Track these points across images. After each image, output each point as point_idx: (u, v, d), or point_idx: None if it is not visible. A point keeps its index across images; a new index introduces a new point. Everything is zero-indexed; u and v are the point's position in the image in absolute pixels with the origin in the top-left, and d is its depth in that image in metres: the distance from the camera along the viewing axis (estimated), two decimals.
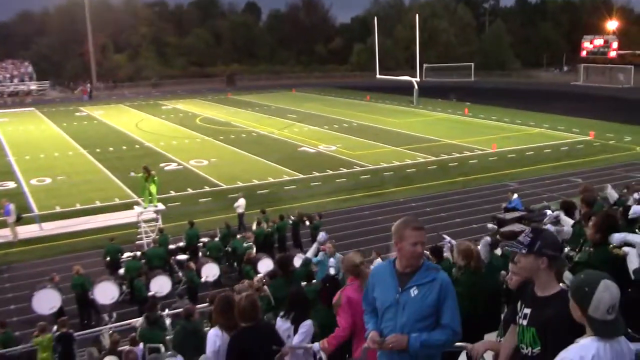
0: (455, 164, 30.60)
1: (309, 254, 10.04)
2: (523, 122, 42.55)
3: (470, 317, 6.57)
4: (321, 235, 9.91)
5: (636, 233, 6.40)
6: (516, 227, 11.67)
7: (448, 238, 10.95)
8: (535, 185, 25.93)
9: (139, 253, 17.25)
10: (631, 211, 6.57)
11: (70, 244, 20.37)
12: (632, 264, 5.28)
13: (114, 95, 69.14)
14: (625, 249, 5.47)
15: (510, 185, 24.92)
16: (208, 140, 38.62)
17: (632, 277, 5.18)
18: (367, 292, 4.40)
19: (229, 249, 18.31)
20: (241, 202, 21.52)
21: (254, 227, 19.24)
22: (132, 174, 21.39)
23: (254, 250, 17.70)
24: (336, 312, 5.60)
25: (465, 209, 22.42)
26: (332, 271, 11.87)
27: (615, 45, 73.69)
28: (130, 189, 26.19)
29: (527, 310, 3.69)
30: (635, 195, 10.61)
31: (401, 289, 4.06)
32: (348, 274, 5.77)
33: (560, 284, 3.73)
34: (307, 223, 19.49)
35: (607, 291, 3.07)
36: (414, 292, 4.02)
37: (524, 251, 3.66)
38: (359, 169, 29.74)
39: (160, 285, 15.22)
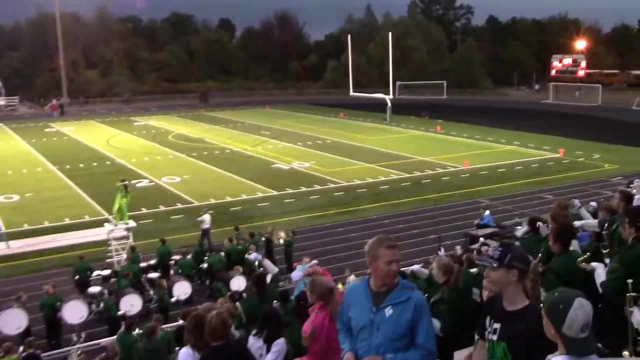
0: (428, 180, 30.79)
1: (271, 270, 9.95)
2: (494, 140, 43.05)
3: (455, 333, 6.57)
4: (254, 256, 9.98)
5: (602, 251, 6.50)
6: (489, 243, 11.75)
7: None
8: (507, 202, 26.19)
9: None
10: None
11: (38, 263, 19.96)
12: (599, 278, 5.34)
13: (85, 111, 68.42)
14: (593, 264, 5.55)
15: (483, 202, 25.13)
16: (181, 156, 38.35)
17: (600, 290, 5.24)
18: (342, 311, 4.34)
19: (204, 266, 18.12)
20: (206, 218, 21.32)
21: (226, 243, 19.08)
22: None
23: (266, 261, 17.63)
24: (307, 343, 5.45)
25: (438, 226, 22.47)
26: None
27: (583, 64, 75.25)
28: (100, 205, 25.83)
29: (497, 325, 3.69)
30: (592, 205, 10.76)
31: (376, 308, 4.01)
32: (320, 299, 5.55)
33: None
34: (281, 241, 19.39)
35: (581, 309, 3.06)
36: (388, 311, 3.97)
37: (495, 265, 3.68)
38: (332, 185, 29.75)
39: (131, 303, 14.97)
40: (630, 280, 4.54)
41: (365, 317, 4.04)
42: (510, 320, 3.63)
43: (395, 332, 3.94)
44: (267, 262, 10.07)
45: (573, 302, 3.08)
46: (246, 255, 10.40)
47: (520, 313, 3.62)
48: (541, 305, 3.26)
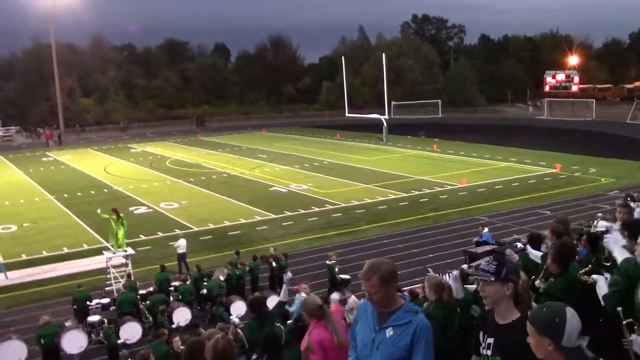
0: (426, 199, 30.79)
1: (282, 296, 9.91)
2: (491, 157, 43.19)
3: (443, 352, 6.53)
4: (288, 276, 9.92)
5: (604, 264, 6.48)
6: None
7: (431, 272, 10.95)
8: (505, 218, 26.18)
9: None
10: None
11: (37, 293, 19.82)
12: (601, 291, 5.29)
13: (81, 139, 68.51)
14: (594, 276, 5.50)
15: (481, 219, 25.11)
16: (178, 182, 38.33)
17: (602, 303, 5.19)
18: (353, 325, 4.38)
19: (204, 292, 18.05)
20: (181, 242, 21.31)
21: (224, 270, 18.98)
22: (99, 211, 21.43)
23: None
24: (306, 357, 5.45)
25: (437, 244, 22.49)
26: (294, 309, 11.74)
27: (576, 79, 75.79)
28: (98, 234, 25.76)
29: (490, 340, 3.69)
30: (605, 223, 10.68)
31: (378, 327, 4.01)
32: (311, 316, 5.57)
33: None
34: (274, 264, 19.32)
35: (574, 317, 3.08)
36: (389, 332, 3.95)
37: (492, 279, 3.67)
38: (330, 207, 29.72)
39: (130, 331, 14.88)
40: (620, 308, 4.48)
41: (368, 335, 4.06)
42: (503, 333, 3.63)
43: (393, 354, 3.91)
44: (285, 289, 10.00)
45: (566, 313, 3.09)
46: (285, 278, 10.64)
47: (512, 326, 3.63)
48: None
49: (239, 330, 9.39)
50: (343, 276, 18.24)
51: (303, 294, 12.01)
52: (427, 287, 7.43)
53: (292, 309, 11.04)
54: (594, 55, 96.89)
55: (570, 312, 3.09)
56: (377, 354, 3.96)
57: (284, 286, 9.93)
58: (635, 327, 4.32)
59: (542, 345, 3.11)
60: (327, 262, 18.53)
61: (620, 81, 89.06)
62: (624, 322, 4.34)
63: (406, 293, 10.65)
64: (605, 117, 66.65)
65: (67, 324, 15.29)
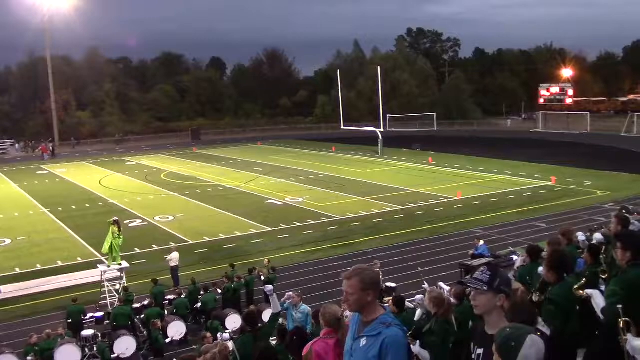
0: (422, 212, 30.77)
1: (273, 308, 9.85)
2: (486, 170, 43.27)
3: None
4: (268, 288, 9.95)
5: (600, 277, 6.46)
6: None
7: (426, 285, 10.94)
8: (501, 231, 26.17)
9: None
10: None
11: (31, 307, 19.67)
12: (597, 306, 5.27)
13: (76, 152, 68.40)
14: (588, 291, 5.48)
15: (477, 232, 25.10)
16: (173, 195, 38.24)
17: (601, 317, 5.17)
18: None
19: (198, 305, 17.95)
20: (174, 256, 21.17)
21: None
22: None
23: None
24: None
25: (433, 257, 22.44)
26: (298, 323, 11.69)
27: (570, 92, 76.17)
28: (93, 247, 25.63)
29: (480, 350, 3.68)
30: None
31: (356, 336, 4.11)
32: (327, 325, 5.53)
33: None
34: (262, 277, 19.20)
35: (534, 347, 3.02)
36: (363, 342, 4.02)
37: (484, 288, 3.65)
38: (326, 220, 29.68)
39: (125, 346, 14.77)
40: (620, 306, 4.48)
41: (349, 343, 4.19)
42: (492, 344, 3.61)
43: None
44: (275, 299, 9.97)
45: (525, 340, 3.04)
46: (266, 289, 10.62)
47: None
48: None
49: (229, 345, 9.34)
50: (388, 284, 17.47)
51: (291, 298, 12.00)
52: (428, 299, 7.42)
53: (298, 316, 10.97)
54: (589, 69, 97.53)
55: (531, 340, 3.03)
56: None
57: (271, 298, 9.93)
58: (632, 328, 4.31)
59: None
60: None
61: (614, 94, 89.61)
62: (621, 320, 4.33)
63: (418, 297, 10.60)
64: (600, 130, 67.00)
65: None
